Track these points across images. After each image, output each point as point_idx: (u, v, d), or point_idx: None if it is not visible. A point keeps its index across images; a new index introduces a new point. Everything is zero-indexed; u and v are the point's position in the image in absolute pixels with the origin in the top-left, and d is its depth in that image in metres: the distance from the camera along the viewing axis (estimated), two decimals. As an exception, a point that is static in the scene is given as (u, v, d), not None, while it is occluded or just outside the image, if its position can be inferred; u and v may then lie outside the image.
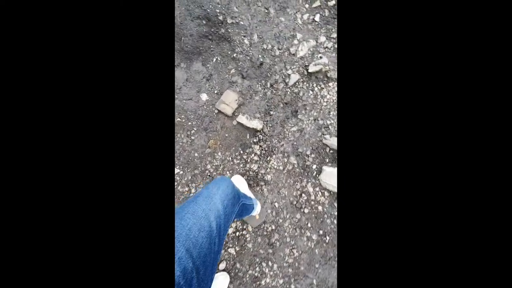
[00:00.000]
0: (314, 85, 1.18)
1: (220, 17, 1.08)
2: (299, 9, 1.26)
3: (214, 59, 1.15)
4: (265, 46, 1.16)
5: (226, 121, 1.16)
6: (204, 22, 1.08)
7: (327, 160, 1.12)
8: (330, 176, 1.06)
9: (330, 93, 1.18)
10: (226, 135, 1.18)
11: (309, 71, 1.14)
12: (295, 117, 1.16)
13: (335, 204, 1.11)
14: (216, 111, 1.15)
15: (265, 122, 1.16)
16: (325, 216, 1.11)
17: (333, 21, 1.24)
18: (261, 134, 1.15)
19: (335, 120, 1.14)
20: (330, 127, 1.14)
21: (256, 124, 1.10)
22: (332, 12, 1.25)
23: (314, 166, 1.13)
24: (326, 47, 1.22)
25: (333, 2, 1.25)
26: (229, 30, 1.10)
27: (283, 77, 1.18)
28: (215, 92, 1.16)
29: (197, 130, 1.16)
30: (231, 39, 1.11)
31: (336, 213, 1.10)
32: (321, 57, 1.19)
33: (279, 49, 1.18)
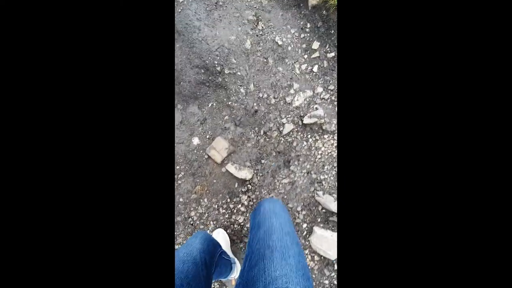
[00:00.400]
0: (309, 136, 1.15)
1: (218, 68, 1.11)
2: (297, 59, 1.29)
3: (210, 104, 1.16)
4: (261, 95, 1.17)
5: (216, 167, 1.12)
6: (202, 71, 1.12)
7: (319, 220, 1.04)
8: (321, 240, 0.97)
9: (325, 146, 1.13)
10: (214, 181, 1.13)
11: (304, 122, 1.12)
12: (287, 168, 1.11)
13: (326, 271, 0.99)
14: (206, 156, 1.13)
15: (255, 171, 1.11)
16: (314, 284, 0.98)
17: (331, 73, 1.25)
18: (250, 184, 1.10)
19: (329, 176, 1.08)
20: (323, 182, 1.08)
21: (245, 174, 1.06)
22: (330, 63, 1.27)
23: (305, 225, 1.04)
24: (323, 98, 1.21)
25: (332, 54, 1.27)
26: (226, 80, 1.12)
27: (277, 125, 1.16)
28: (207, 136, 1.15)
29: (185, 174, 1.13)
30: (228, 87, 1.13)
31: (326, 282, 0.98)
32: (317, 108, 1.18)
33: (274, 98, 1.19)
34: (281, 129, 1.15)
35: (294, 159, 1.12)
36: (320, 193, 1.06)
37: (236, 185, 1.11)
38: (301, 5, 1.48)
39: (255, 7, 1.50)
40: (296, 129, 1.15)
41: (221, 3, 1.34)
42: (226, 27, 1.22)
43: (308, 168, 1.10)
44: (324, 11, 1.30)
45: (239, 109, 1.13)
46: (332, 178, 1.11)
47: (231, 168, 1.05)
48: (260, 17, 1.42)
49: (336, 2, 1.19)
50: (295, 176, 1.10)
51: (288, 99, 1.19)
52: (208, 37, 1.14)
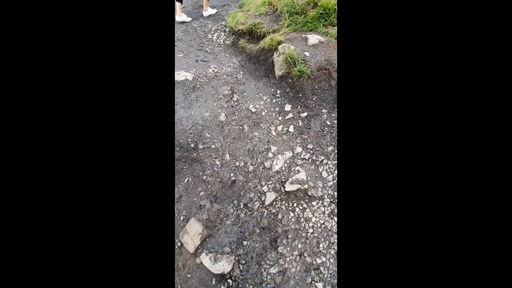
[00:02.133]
0: (295, 205, 1.00)
1: (192, 145, 1.12)
2: (272, 122, 1.30)
3: (186, 180, 1.11)
4: (237, 163, 1.12)
5: (189, 258, 0.95)
6: (177, 149, 1.13)
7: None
8: None
9: (315, 215, 0.96)
10: (189, 275, 0.93)
11: (287, 189, 1.00)
12: (275, 250, 0.91)
13: None
14: (179, 244, 0.98)
15: (236, 258, 0.91)
16: None
17: (307, 131, 1.22)
18: (231, 278, 0.88)
19: (328, 258, 0.86)
20: (322, 268, 0.84)
21: (223, 266, 0.86)
22: (305, 122, 1.26)
23: None
24: (304, 158, 1.13)
25: (305, 114, 1.28)
26: (201, 154, 1.11)
27: (258, 195, 1.04)
28: (181, 218, 1.03)
29: (155, 269, 0.96)
30: (203, 161, 1.09)
31: None
32: (298, 171, 1.08)
33: (252, 164, 1.12)
34: (263, 198, 1.02)
35: (282, 236, 0.93)
36: (320, 285, 0.81)
37: (213, 281, 0.89)
38: (270, 75, 1.63)
39: (231, 82, 1.68)
40: (279, 197, 1.02)
41: (198, 86, 1.53)
42: (202, 105, 1.31)
43: (300, 248, 0.89)
44: (290, 79, 1.40)
45: (215, 183, 1.05)
46: (332, 260, 0.87)
47: (205, 259, 0.86)
48: (235, 90, 1.53)
49: (298, 72, 1.29)
50: (285, 261, 0.88)
51: (267, 163, 1.12)
52: (183, 118, 1.20)
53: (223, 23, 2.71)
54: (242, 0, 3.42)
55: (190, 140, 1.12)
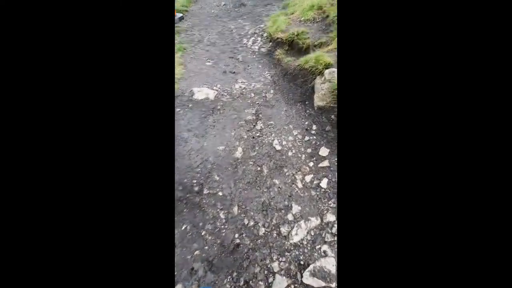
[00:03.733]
0: (313, 308, 0.72)
1: (196, 188, 0.91)
2: (300, 168, 1.00)
3: (183, 227, 0.92)
4: (246, 221, 0.87)
5: None
6: (180, 188, 0.95)
7: None
8: None
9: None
10: None
11: (304, 281, 0.73)
12: None
13: None
14: None
15: None
16: None
17: (348, 192, 0.90)
18: None
19: None
20: None
21: None
22: None
23: None
24: (335, 233, 0.83)
25: None
26: (204, 201, 0.90)
27: (265, 272, 0.79)
28: (171, 276, 0.88)
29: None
30: (205, 210, 0.89)
31: None
32: (325, 253, 0.78)
33: (265, 226, 0.86)
34: (270, 280, 0.77)
35: None
36: None
37: None
38: (307, 102, 1.29)
39: (258, 103, 1.42)
40: (293, 287, 0.75)
41: (219, 107, 1.31)
42: (218, 133, 1.08)
43: None
44: (333, 115, 1.06)
45: (214, 245, 0.83)
46: None
47: None
48: (260, 115, 1.25)
49: None
50: None
51: (283, 229, 0.85)
52: (192, 151, 1.01)
53: (262, 25, 2.43)
54: (287, 0, 3.09)
55: (195, 181, 0.93)
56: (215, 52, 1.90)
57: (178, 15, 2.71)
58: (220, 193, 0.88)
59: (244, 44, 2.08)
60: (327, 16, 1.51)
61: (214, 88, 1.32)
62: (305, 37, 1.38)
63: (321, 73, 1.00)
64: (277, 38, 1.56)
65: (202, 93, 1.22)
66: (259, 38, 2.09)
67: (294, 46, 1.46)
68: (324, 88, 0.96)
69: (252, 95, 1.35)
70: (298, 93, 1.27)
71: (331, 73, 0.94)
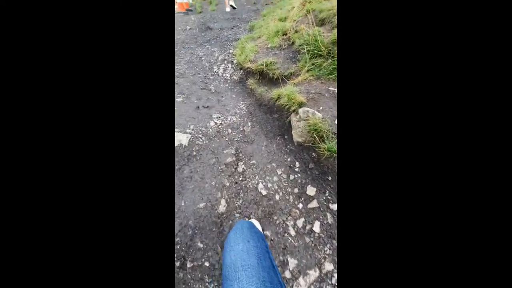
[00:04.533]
0: None
1: (178, 263, 0.78)
2: (290, 211, 0.95)
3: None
4: (240, 291, 0.80)
5: None
6: (158, 263, 0.84)
7: None
8: None
9: None
10: None
11: None
12: None
13: None
14: None
15: None
16: None
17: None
18: None
19: None
20: None
21: None
22: (336, 218, 0.92)
23: None
24: (335, 284, 0.79)
25: (335, 206, 0.94)
26: (189, 275, 0.77)
27: None
28: None
29: None
30: (191, 286, 0.79)
31: None
32: None
33: (262, 293, 0.80)
34: None
35: None
36: None
37: None
38: (286, 136, 1.24)
39: (236, 140, 1.35)
40: None
41: (195, 153, 1.22)
42: (197, 187, 0.96)
43: None
44: (314, 153, 1.01)
45: (206, 332, 0.73)
46: None
47: None
48: (240, 154, 1.17)
49: (328, 151, 0.90)
50: None
51: (282, 292, 0.79)
52: None
53: (231, 51, 2.43)
54: (252, 22, 3.16)
55: (175, 254, 0.81)
56: (186, 84, 1.81)
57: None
58: (207, 263, 0.77)
59: (215, 72, 2.03)
60: (293, 43, 1.55)
61: (188, 131, 1.22)
62: (274, 68, 1.38)
63: (295, 111, 0.98)
64: (247, 67, 1.55)
65: (174, 140, 1.12)
66: (229, 65, 2.07)
67: (265, 76, 1.45)
68: (301, 126, 0.94)
69: (229, 131, 1.29)
70: (276, 125, 1.24)
71: (305, 112, 0.92)
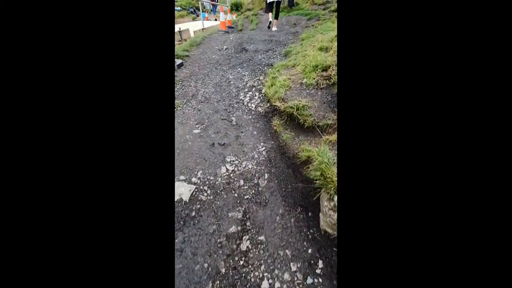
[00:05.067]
0: None
1: None
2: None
3: None
4: None
5: None
6: None
7: None
8: None
9: None
10: None
11: None
12: None
13: None
14: None
15: None
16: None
17: None
18: None
19: None
20: None
21: None
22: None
23: None
24: None
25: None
26: None
27: None
28: None
29: None
30: None
31: None
32: None
33: None
34: None
35: None
36: None
37: None
38: (310, 214, 0.92)
39: (247, 198, 1.07)
40: None
41: (194, 213, 0.98)
42: (185, 267, 0.75)
43: None
44: None
45: None
46: None
47: None
48: (248, 222, 0.91)
49: None
50: None
51: None
52: None
53: (261, 77, 2.32)
54: (289, 46, 3.03)
55: None
56: (208, 111, 1.71)
57: (177, 61, 2.66)
58: None
59: (241, 100, 1.90)
60: (334, 84, 1.31)
61: (193, 180, 1.06)
62: (307, 114, 1.15)
63: (329, 195, 0.73)
64: (275, 105, 1.36)
65: (175, 192, 0.97)
66: (256, 94, 1.92)
67: (294, 119, 1.23)
68: (334, 217, 0.68)
69: (241, 182, 1.08)
70: (298, 191, 0.99)
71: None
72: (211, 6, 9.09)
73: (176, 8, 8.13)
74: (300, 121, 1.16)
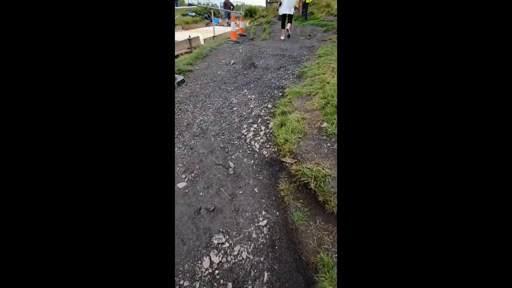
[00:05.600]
0: None
1: None
2: None
3: None
4: None
5: None
6: None
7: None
8: None
9: None
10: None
11: None
12: None
13: None
14: None
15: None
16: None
17: None
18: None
19: None
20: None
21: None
22: None
23: None
24: None
25: None
26: None
27: None
28: None
29: None
30: None
31: None
32: None
33: None
34: None
35: None
36: None
37: None
38: None
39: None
40: None
41: None
42: None
43: None
44: None
45: None
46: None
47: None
48: None
49: None
50: None
51: None
52: None
53: (269, 105, 1.98)
54: (303, 65, 2.64)
55: None
56: (201, 151, 1.39)
57: (178, 78, 2.38)
58: None
59: (243, 135, 1.57)
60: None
61: None
62: (329, 190, 0.81)
63: None
64: (285, 162, 1.03)
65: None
66: (262, 128, 1.58)
67: (310, 190, 0.90)
68: None
69: (229, 286, 0.77)
70: (302, 277, 0.65)
71: None
72: (225, 12, 9.04)
73: (190, 14, 8.11)
74: (319, 197, 0.83)
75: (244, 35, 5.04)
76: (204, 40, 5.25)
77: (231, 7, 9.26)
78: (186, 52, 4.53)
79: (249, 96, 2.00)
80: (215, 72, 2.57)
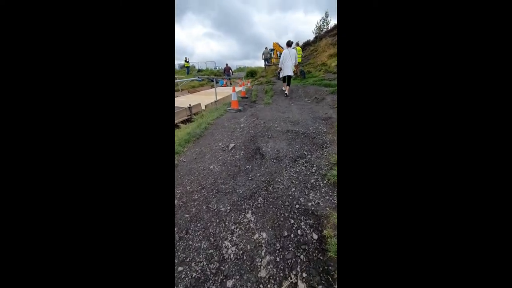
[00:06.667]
0: None
1: None
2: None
3: None
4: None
5: None
6: None
7: None
8: None
9: None
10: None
11: None
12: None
13: None
14: None
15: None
16: None
17: None
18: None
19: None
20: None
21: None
22: None
23: None
24: None
25: None
26: None
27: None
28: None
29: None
30: None
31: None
32: None
33: None
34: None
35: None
36: None
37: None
38: None
39: None
40: None
41: None
42: None
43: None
44: None
45: None
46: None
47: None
48: None
49: None
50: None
51: None
52: None
53: (296, 265, 0.74)
54: (330, 150, 1.32)
55: None
56: None
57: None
58: None
59: None
60: None
61: None
62: None
63: None
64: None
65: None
66: None
67: None
68: None
69: None
70: None
71: None
72: (226, 75, 10.11)
73: (198, 78, 8.84)
74: None
75: (246, 97, 4.88)
76: (205, 106, 5.10)
77: (230, 71, 10.74)
78: (186, 120, 4.20)
79: (256, 235, 1.11)
80: (207, 166, 1.82)
